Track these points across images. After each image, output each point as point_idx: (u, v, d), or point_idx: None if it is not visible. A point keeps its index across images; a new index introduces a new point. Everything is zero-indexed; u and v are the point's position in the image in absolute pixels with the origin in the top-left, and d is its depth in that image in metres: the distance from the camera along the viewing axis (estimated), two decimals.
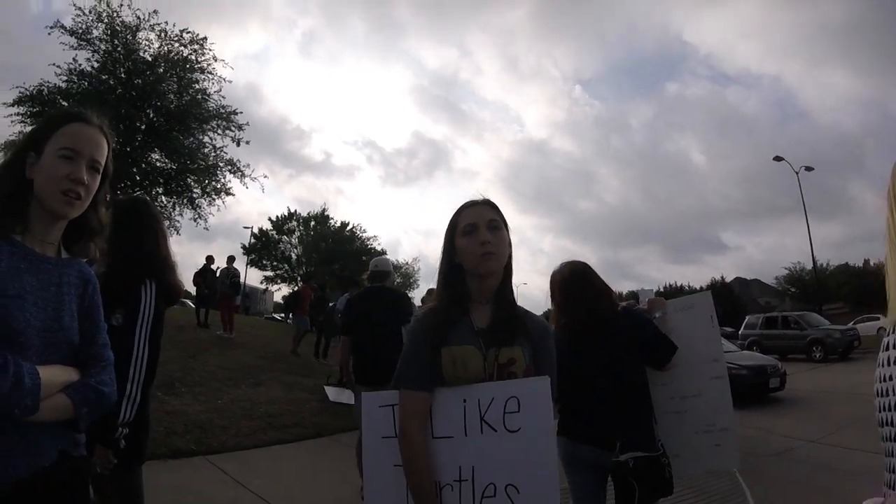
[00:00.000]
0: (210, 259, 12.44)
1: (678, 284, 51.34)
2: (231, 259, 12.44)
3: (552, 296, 2.55)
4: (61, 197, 1.26)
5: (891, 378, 0.86)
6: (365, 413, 1.50)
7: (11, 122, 14.65)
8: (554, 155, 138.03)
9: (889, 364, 0.88)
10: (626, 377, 2.31)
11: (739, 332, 18.34)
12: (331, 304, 11.89)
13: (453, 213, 1.55)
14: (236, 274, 12.32)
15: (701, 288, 45.12)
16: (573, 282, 2.46)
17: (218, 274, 11.95)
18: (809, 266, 32.44)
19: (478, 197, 1.55)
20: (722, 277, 47.95)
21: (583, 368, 2.32)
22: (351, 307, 4.41)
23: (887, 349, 0.89)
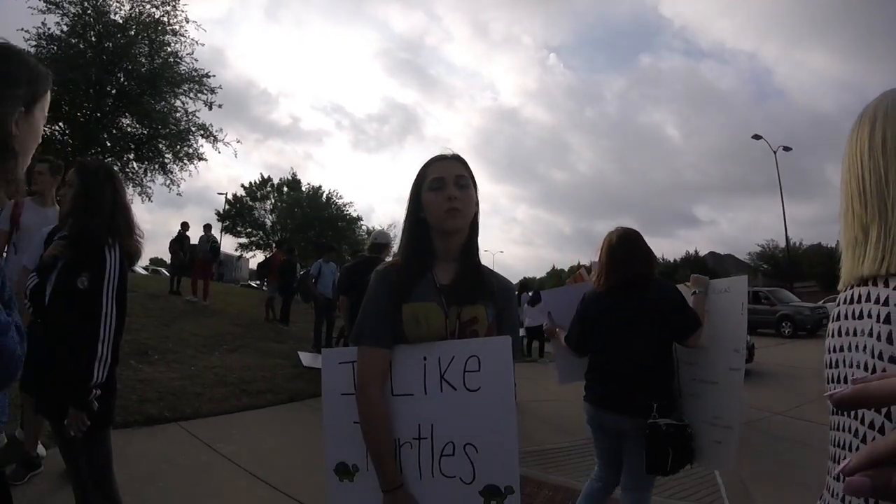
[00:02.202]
0: (185, 226, 12.26)
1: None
2: (208, 227, 12.26)
3: (599, 258, 2.62)
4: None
5: (840, 349, 0.85)
6: (324, 369, 1.49)
7: None
8: (527, 124, 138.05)
9: (838, 335, 0.87)
10: (649, 345, 2.39)
11: None
12: (305, 270, 11.81)
13: (421, 165, 1.51)
14: (215, 240, 12.18)
15: (675, 261, 46.09)
16: (619, 246, 2.53)
17: (197, 241, 11.79)
18: (783, 244, 33.16)
19: (447, 151, 1.51)
20: (696, 251, 49.03)
21: (608, 333, 2.45)
22: (349, 273, 5.10)
23: (837, 319, 0.87)
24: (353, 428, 1.39)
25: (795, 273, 31.91)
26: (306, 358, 7.53)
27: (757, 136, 26.72)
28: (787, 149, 27.12)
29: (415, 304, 1.40)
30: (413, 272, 1.44)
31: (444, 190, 1.42)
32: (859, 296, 0.84)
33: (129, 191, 16.18)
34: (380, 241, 5.24)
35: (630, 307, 2.43)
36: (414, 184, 1.50)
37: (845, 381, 0.83)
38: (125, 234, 2.25)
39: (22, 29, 14.53)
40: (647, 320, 2.39)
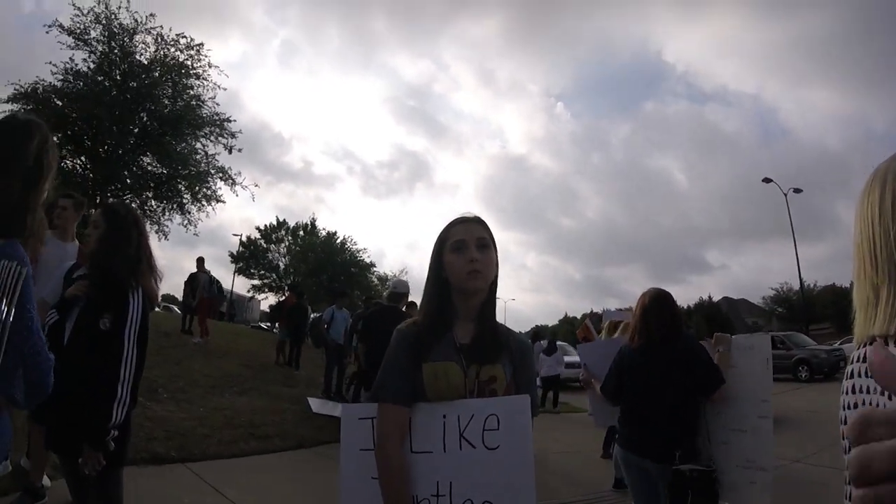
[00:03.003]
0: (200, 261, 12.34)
1: None
2: (201, 261, 11.97)
3: (633, 316, 2.89)
4: None
5: (854, 406, 0.86)
6: (343, 424, 1.50)
7: None
8: (534, 170, 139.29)
9: (851, 392, 0.87)
10: (678, 397, 2.60)
11: None
12: (318, 315, 11.72)
13: (443, 227, 1.55)
14: (216, 279, 12.11)
15: (688, 307, 45.64)
16: (651, 306, 2.75)
17: (199, 279, 11.65)
18: (797, 286, 32.76)
19: (468, 214, 1.56)
20: (710, 296, 48.37)
21: (641, 385, 2.68)
22: (366, 321, 5.28)
23: (850, 377, 0.88)
24: (370, 483, 1.39)
25: (810, 315, 31.41)
26: (315, 404, 7.48)
27: (767, 180, 26.74)
28: (797, 191, 27.04)
29: (435, 363, 1.42)
30: (434, 331, 1.47)
31: (465, 252, 1.46)
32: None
33: (147, 228, 16.40)
34: (399, 291, 5.34)
35: (663, 360, 2.64)
36: (436, 245, 1.54)
37: None
38: (147, 278, 2.30)
39: (50, 63, 15.08)
40: (678, 372, 2.60)
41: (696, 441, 2.64)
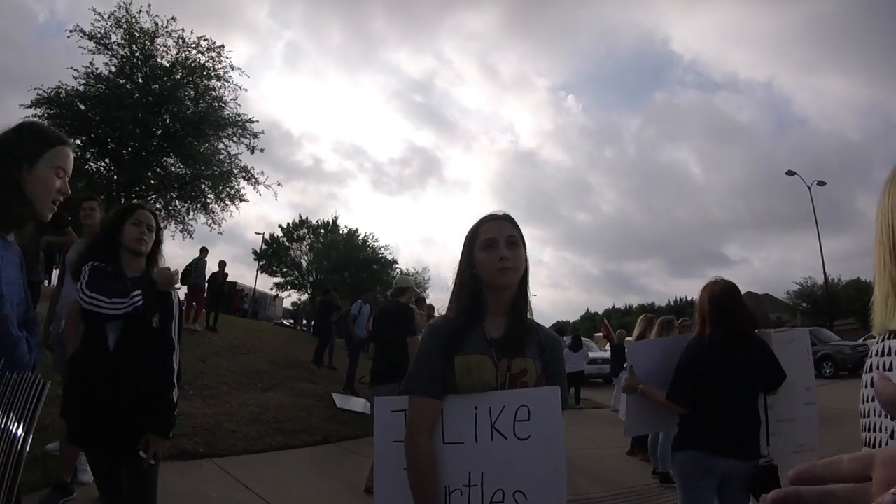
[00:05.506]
0: (222, 264, 12.50)
1: (688, 299, 51.03)
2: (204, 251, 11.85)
3: (701, 307, 2.68)
4: (51, 205, 1.47)
5: (872, 399, 0.87)
6: (377, 417, 1.54)
7: None
8: (545, 165, 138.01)
9: (871, 386, 0.88)
10: (756, 393, 2.62)
11: None
12: (347, 309, 11.68)
13: (473, 224, 1.58)
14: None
15: None
16: (724, 297, 2.62)
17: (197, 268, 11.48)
18: (820, 281, 32.12)
19: (497, 211, 1.59)
20: None
21: (728, 382, 2.54)
22: (376, 319, 5.45)
23: (870, 371, 0.90)
24: (404, 475, 1.43)
25: (835, 311, 30.75)
26: (339, 399, 7.57)
27: (791, 172, 26.19)
28: (821, 183, 26.37)
29: (467, 356, 1.45)
30: (465, 326, 1.49)
31: (496, 250, 1.48)
32: (890, 348, 0.87)
33: (172, 227, 16.67)
34: (401, 286, 5.50)
35: (744, 356, 2.56)
36: (466, 242, 1.57)
37: (879, 430, 0.86)
38: None
39: (71, 67, 15.41)
40: (757, 369, 2.57)
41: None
